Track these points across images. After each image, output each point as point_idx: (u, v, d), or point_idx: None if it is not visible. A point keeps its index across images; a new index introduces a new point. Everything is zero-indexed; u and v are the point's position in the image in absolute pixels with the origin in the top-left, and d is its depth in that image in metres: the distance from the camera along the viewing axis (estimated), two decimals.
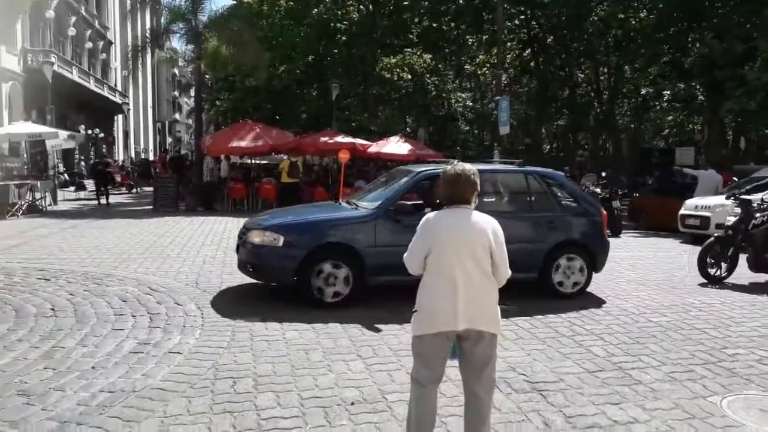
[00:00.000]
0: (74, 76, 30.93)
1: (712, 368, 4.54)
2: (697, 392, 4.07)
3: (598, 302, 6.62)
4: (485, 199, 6.84)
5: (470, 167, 3.04)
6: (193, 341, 4.90)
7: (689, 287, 7.57)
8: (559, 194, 7.25)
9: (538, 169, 7.66)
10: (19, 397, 3.71)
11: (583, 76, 31.61)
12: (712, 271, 7.92)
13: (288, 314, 5.75)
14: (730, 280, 7.91)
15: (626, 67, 28.07)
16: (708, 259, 7.95)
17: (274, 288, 6.78)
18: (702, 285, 7.69)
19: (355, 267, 6.22)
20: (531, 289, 6.74)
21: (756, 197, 8.30)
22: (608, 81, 30.02)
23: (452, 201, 3.00)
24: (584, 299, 6.73)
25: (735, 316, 6.08)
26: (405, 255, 3.08)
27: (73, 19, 32.87)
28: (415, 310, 3.03)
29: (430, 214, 3.05)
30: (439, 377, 3.03)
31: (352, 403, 3.77)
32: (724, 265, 7.94)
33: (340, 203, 7.53)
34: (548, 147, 40.50)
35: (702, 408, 3.82)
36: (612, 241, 13.06)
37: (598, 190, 15.92)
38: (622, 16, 26.21)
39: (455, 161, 3.40)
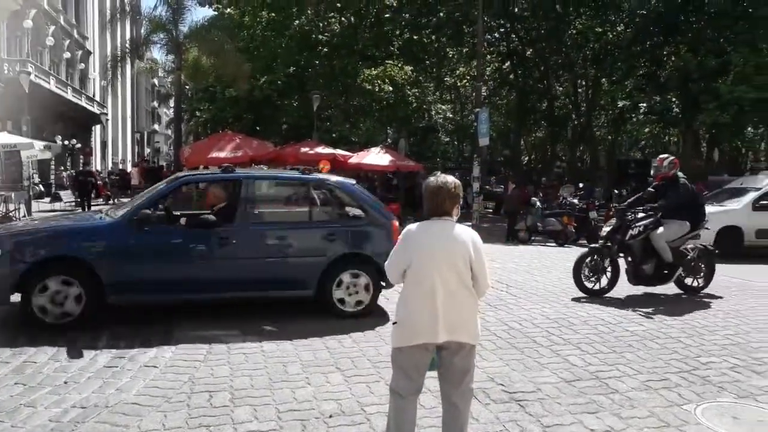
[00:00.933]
0: (51, 86, 30.56)
1: (686, 376, 4.60)
2: (672, 400, 4.12)
3: (576, 312, 6.67)
4: (259, 210, 6.55)
5: (452, 179, 3.03)
6: (170, 354, 4.83)
7: (664, 297, 7.67)
8: (345, 204, 6.65)
9: (323, 176, 7.13)
10: None
11: (561, 88, 32.05)
12: (589, 284, 7.50)
13: (264, 327, 5.70)
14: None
15: (603, 79, 28.53)
16: (584, 272, 7.51)
17: (251, 301, 6.70)
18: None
19: (89, 284, 5.45)
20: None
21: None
22: (586, 93, 30.47)
23: (433, 213, 3.00)
24: (564, 309, 6.77)
25: (709, 325, 6.17)
26: (385, 265, 3.10)
27: (52, 28, 32.53)
28: (395, 322, 3.03)
29: (411, 225, 3.05)
30: (419, 388, 3.04)
31: (331, 416, 3.75)
32: (604, 278, 7.55)
33: (99, 213, 6.85)
34: (527, 158, 40.89)
35: (677, 416, 3.87)
36: None
37: (575, 200, 16.11)
38: (600, 29, 26.72)
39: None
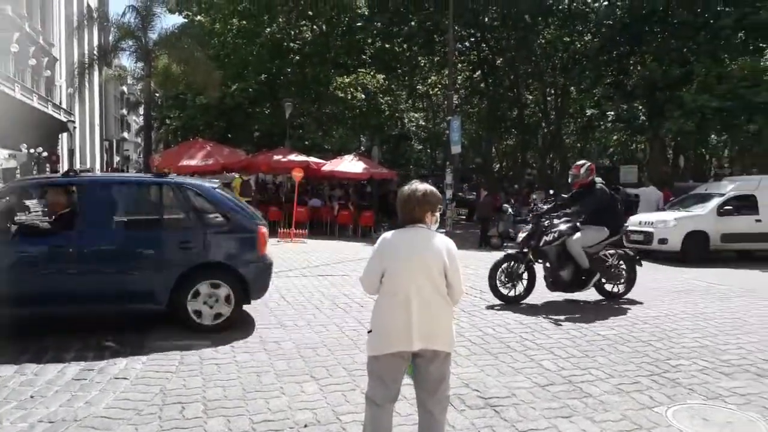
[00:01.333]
0: (16, 93, 29.82)
1: (657, 379, 4.67)
2: (644, 403, 4.18)
3: (547, 317, 6.74)
4: (103, 216, 5.92)
5: (424, 187, 3.05)
6: (140, 366, 4.74)
7: (634, 301, 7.80)
8: (204, 209, 6.12)
9: (180, 179, 6.55)
10: None
11: (531, 97, 32.54)
12: (505, 291, 7.44)
13: (238, 336, 5.63)
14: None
15: (572, 88, 29.04)
16: (499, 278, 7.42)
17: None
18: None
19: None
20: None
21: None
22: (555, 102, 30.97)
23: (406, 221, 3.02)
24: (534, 314, 6.84)
25: (678, 328, 6.29)
26: (361, 275, 3.09)
27: (16, 35, 31.79)
28: (370, 331, 3.05)
29: (386, 234, 3.07)
30: (395, 396, 3.03)
31: (306, 426, 3.72)
32: (521, 284, 7.49)
33: None
34: (498, 165, 41.34)
35: (648, 419, 3.93)
36: None
37: (546, 207, 16.31)
38: (568, 39, 27.23)
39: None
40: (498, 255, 8.12)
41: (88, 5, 45.46)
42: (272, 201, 19.55)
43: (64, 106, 41.74)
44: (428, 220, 3.03)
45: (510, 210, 16.38)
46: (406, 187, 3.07)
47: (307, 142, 27.29)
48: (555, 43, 27.56)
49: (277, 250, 12.80)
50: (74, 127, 44.72)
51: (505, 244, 15.24)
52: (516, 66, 28.94)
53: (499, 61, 29.92)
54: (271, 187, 23.87)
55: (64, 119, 40.40)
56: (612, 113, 25.61)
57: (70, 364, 4.72)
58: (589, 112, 29.11)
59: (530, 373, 4.78)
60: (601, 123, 28.86)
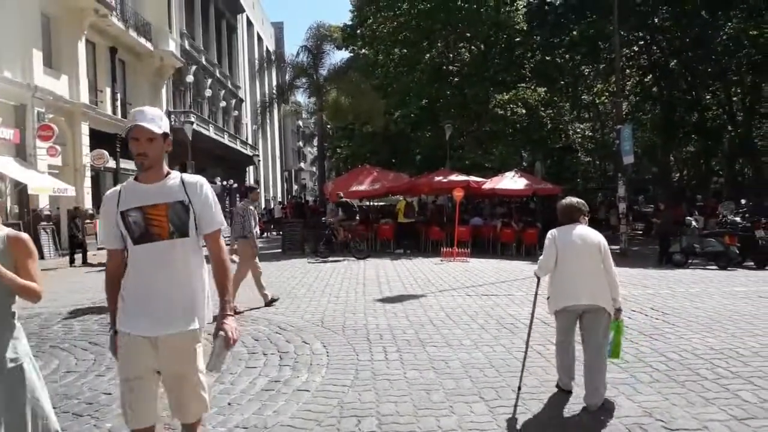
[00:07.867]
0: (210, 132, 33.84)
1: None
2: None
3: (745, 341, 6.01)
4: None
5: (576, 199, 4.66)
6: (320, 379, 5.06)
7: None
8: None
9: None
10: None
11: (711, 98, 29.52)
12: None
13: (415, 353, 5.78)
14: None
15: (763, 85, 25.85)
16: None
17: (394, 326, 6.85)
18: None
19: None
20: None
21: None
22: (742, 102, 27.78)
23: (566, 221, 4.49)
24: (731, 339, 6.14)
25: None
26: (540, 262, 4.44)
27: (209, 81, 36.20)
28: (549, 297, 4.44)
29: (554, 230, 4.48)
30: (572, 338, 4.47)
31: None
32: None
33: None
34: (678, 175, 37.96)
35: None
36: (757, 273, 11.96)
37: (738, 219, 14.65)
38: (755, 32, 24.33)
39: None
40: (679, 273, 7.47)
41: (267, 49, 50.36)
42: (433, 221, 19.86)
43: (249, 141, 46.45)
44: (582, 221, 4.47)
45: (694, 223, 14.93)
46: (567, 200, 4.63)
47: (467, 162, 27.40)
48: (740, 38, 24.78)
49: (440, 269, 12.95)
50: (258, 160, 49.54)
51: (689, 261, 13.90)
52: (693, 67, 26.54)
53: (672, 63, 27.67)
54: (431, 207, 24.28)
55: (250, 153, 44.94)
56: None
57: (260, 376, 5.19)
58: None
59: (725, 404, 4.30)
60: None
